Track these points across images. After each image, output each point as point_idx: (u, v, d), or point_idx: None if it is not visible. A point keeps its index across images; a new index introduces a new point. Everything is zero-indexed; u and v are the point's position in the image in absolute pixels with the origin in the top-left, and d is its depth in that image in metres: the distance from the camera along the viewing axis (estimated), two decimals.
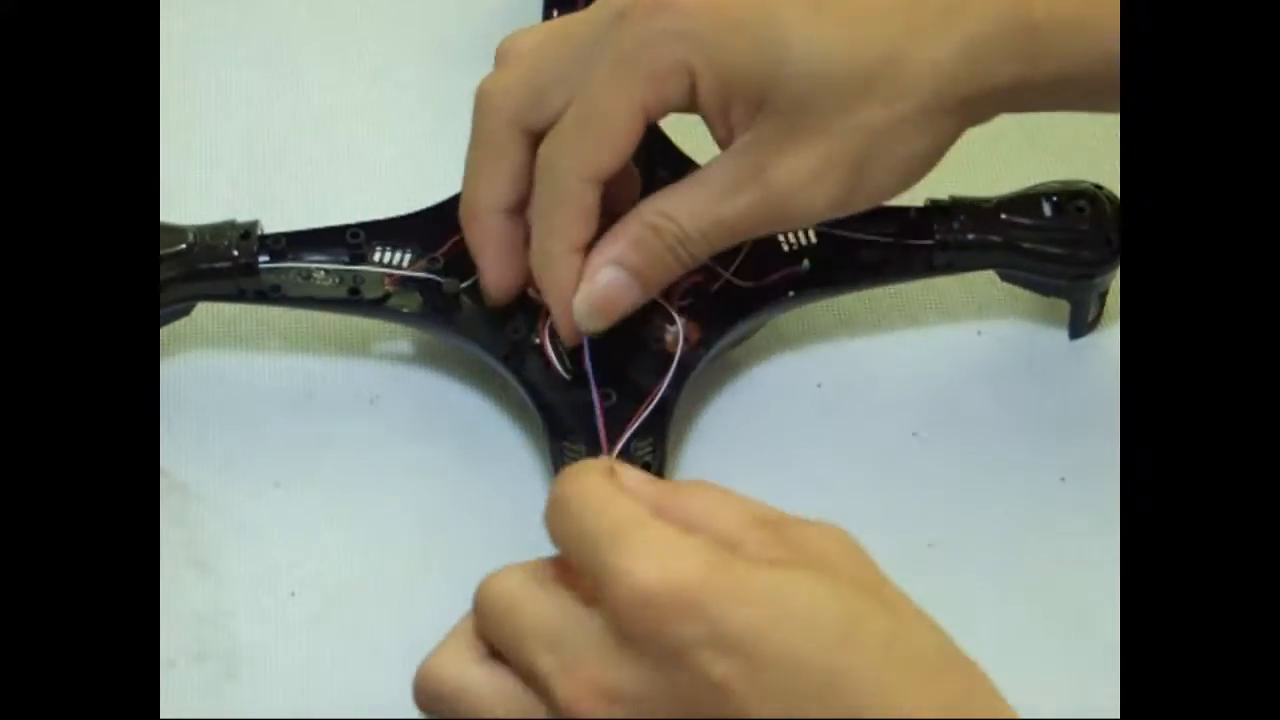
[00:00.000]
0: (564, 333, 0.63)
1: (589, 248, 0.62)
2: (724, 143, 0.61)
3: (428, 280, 0.67)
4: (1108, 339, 0.72)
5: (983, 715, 0.50)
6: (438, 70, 0.80)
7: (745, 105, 0.59)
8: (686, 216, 0.61)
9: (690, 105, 0.60)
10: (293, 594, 0.65)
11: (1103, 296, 0.70)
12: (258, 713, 0.62)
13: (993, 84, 0.60)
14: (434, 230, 0.67)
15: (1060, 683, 0.63)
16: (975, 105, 0.61)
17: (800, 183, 0.60)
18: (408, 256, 0.67)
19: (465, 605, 0.57)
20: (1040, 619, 0.65)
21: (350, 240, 0.67)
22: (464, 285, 0.66)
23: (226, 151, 0.76)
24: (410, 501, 0.67)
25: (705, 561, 0.49)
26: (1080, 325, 0.71)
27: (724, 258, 0.65)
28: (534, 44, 0.62)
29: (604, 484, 0.53)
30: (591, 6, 0.61)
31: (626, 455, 0.63)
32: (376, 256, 0.67)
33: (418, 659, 0.58)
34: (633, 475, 0.56)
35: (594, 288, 0.62)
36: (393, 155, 0.76)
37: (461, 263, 0.67)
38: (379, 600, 0.65)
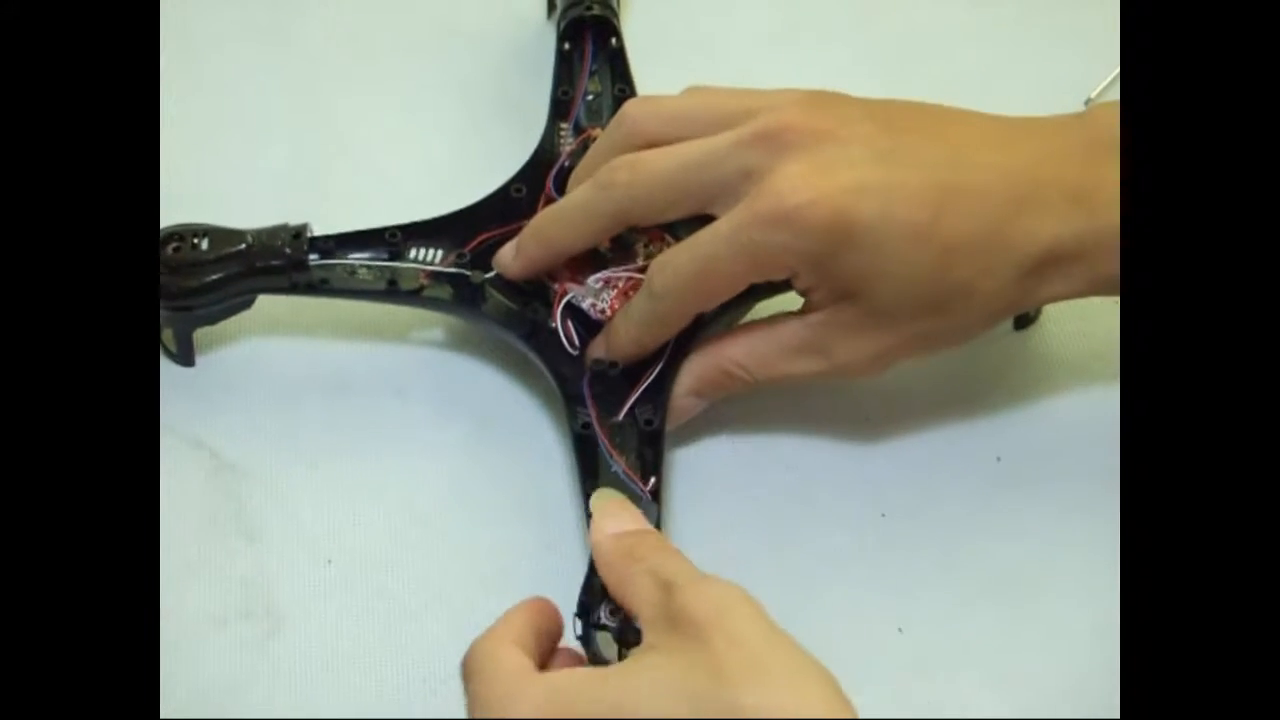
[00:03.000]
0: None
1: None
2: (801, 294, 0.63)
3: (457, 274, 0.68)
4: (1046, 332, 0.73)
5: None
6: (455, 103, 0.81)
7: (831, 293, 0.62)
8: (755, 367, 0.64)
9: None
10: (329, 561, 0.66)
11: None
12: (297, 664, 0.63)
13: (1049, 295, 0.63)
14: (462, 230, 0.69)
15: (992, 640, 0.64)
16: (1030, 307, 0.66)
17: (860, 361, 0.63)
18: (439, 253, 0.68)
19: (481, 572, 0.61)
20: (977, 582, 0.65)
21: (389, 240, 0.68)
22: (488, 277, 0.67)
23: (271, 173, 0.77)
24: (432, 479, 0.68)
25: (535, 713, 0.51)
26: (1024, 317, 0.72)
27: None
28: (663, 133, 0.63)
29: (488, 648, 0.55)
30: (721, 143, 0.61)
31: (632, 418, 0.64)
32: (412, 254, 0.68)
33: (438, 619, 0.63)
34: (605, 527, 0.58)
35: (675, 409, 0.65)
36: (416, 175, 0.77)
37: (486, 257, 0.68)
38: (405, 567, 0.66)
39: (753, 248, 0.60)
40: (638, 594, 0.55)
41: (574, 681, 0.53)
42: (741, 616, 0.52)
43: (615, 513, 0.60)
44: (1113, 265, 0.61)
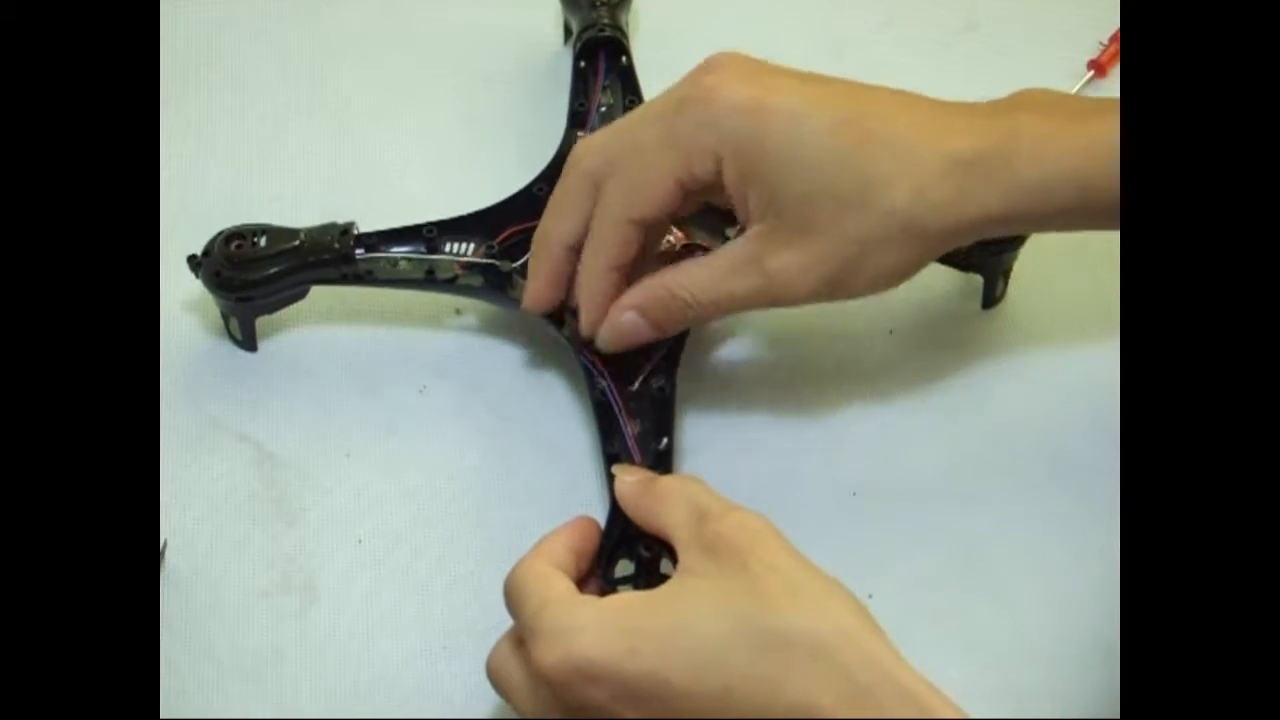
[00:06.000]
0: (584, 330, 0.65)
1: (621, 276, 0.64)
2: (743, 224, 0.62)
3: (488, 264, 0.70)
4: (998, 328, 0.75)
5: (863, 679, 0.51)
6: (470, 135, 0.83)
7: (759, 196, 0.60)
8: (698, 289, 0.62)
9: (720, 185, 0.61)
10: (359, 541, 0.68)
11: (1007, 273, 0.73)
12: (330, 632, 0.65)
13: (973, 208, 0.60)
14: (490, 226, 0.71)
15: (951, 604, 0.66)
16: (951, 236, 0.61)
17: (791, 274, 0.61)
18: (471, 246, 0.70)
19: (495, 552, 0.62)
20: (938, 553, 0.68)
21: (426, 235, 0.70)
22: (515, 266, 0.69)
23: (310, 195, 0.78)
24: (451, 469, 0.70)
25: (598, 636, 0.52)
26: (989, 297, 0.74)
27: (717, 241, 0.68)
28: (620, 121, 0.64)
29: (530, 571, 0.57)
30: (663, 94, 0.62)
31: (646, 386, 0.66)
32: (447, 247, 0.70)
33: (458, 591, 0.65)
34: (625, 479, 0.61)
35: (617, 323, 0.64)
36: (433, 193, 0.78)
37: (514, 249, 0.70)
38: (428, 545, 0.68)
39: (674, 129, 0.60)
40: (671, 516, 0.57)
41: (627, 606, 0.54)
42: (773, 544, 0.55)
43: (632, 469, 0.62)
44: (1031, 171, 0.60)
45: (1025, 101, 0.63)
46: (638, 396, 0.66)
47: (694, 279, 0.63)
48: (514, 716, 0.60)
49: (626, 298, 0.64)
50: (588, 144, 0.64)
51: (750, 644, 0.51)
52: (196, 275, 0.71)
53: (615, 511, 0.62)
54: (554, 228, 0.65)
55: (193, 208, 0.76)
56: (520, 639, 0.56)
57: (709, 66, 0.61)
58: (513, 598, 0.56)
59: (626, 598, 0.55)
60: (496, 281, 0.70)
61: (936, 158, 0.60)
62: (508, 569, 0.59)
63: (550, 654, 0.53)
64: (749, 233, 0.61)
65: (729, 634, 0.52)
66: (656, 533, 0.58)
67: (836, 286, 0.62)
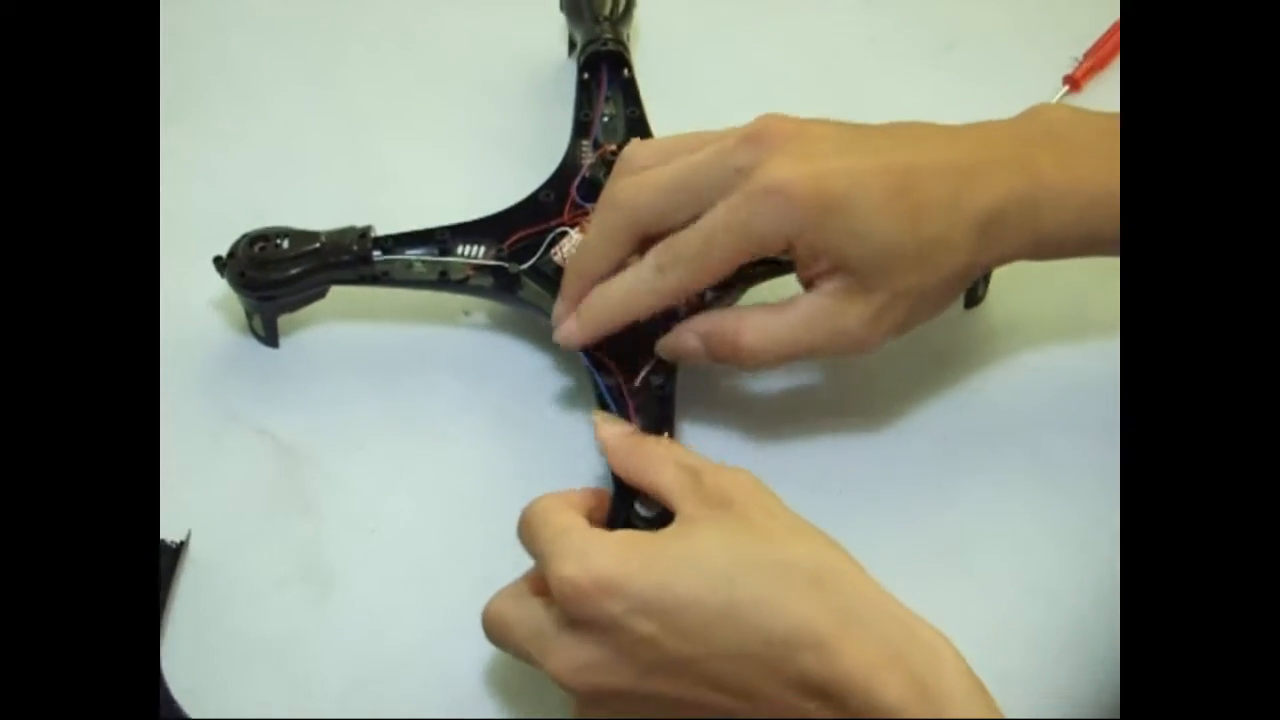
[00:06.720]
0: (577, 332, 0.67)
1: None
2: (803, 280, 0.65)
3: (498, 266, 0.72)
4: (983, 331, 0.77)
5: (858, 607, 0.54)
6: (478, 144, 0.85)
7: (828, 262, 0.63)
8: (768, 339, 0.65)
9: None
10: (373, 531, 0.69)
11: (988, 275, 0.75)
12: (346, 618, 0.66)
13: (1002, 252, 0.66)
14: (500, 230, 0.72)
15: (933, 592, 0.61)
16: (981, 269, 0.67)
17: (862, 324, 0.64)
18: (481, 249, 0.72)
19: (503, 544, 0.61)
20: (921, 543, 0.69)
21: (439, 239, 0.72)
22: (523, 268, 0.71)
23: (328, 201, 0.78)
24: (462, 463, 0.71)
25: (615, 554, 0.55)
26: (972, 297, 0.76)
27: None
28: (659, 162, 0.65)
29: (550, 504, 0.59)
30: (711, 150, 0.64)
31: (645, 386, 0.67)
32: (459, 250, 0.72)
33: (466, 579, 0.65)
34: (611, 429, 0.64)
35: (681, 343, 0.67)
36: (445, 203, 0.76)
37: (522, 252, 0.72)
38: (438, 537, 0.69)
39: (748, 222, 0.62)
40: (664, 476, 0.60)
41: (641, 538, 0.57)
42: (769, 497, 0.58)
43: (614, 420, 0.65)
44: (1051, 223, 0.65)
45: (1044, 139, 0.66)
46: (638, 393, 0.67)
47: (763, 331, 0.66)
48: (517, 716, 0.63)
49: (697, 323, 0.67)
50: (633, 191, 0.65)
51: (755, 568, 0.55)
52: (222, 275, 0.72)
53: (615, 509, 0.63)
54: (593, 266, 0.67)
55: (217, 212, 0.77)
56: (527, 587, 0.59)
57: (763, 143, 0.63)
58: (533, 525, 0.59)
59: (638, 533, 0.58)
60: (505, 283, 0.72)
61: (973, 215, 0.64)
62: (514, 560, 0.60)
63: (570, 566, 0.55)
64: (821, 290, 0.65)
65: (736, 560, 0.55)
66: (646, 489, 0.61)
67: (898, 328, 0.66)
